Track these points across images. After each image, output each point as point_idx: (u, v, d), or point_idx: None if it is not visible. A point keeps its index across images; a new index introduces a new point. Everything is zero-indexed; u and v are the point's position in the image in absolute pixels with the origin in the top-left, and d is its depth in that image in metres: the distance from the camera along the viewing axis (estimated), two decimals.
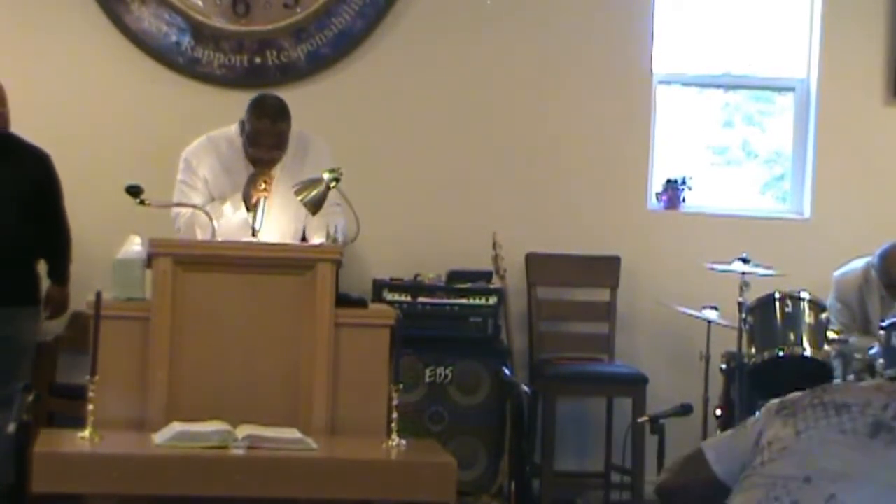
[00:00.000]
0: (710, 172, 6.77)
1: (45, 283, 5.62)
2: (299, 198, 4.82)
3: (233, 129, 5.13)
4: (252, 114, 4.98)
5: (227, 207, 5.02)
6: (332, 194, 4.86)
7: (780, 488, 2.39)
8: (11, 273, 5.40)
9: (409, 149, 6.40)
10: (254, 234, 4.93)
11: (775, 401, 2.61)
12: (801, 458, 2.42)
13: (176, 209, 5.03)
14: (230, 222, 4.96)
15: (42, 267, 5.60)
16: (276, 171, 5.07)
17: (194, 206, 4.90)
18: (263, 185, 4.98)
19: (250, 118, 4.98)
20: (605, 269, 6.36)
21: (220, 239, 4.80)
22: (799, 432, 2.45)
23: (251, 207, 4.99)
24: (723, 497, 2.54)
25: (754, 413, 6.07)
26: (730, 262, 5.82)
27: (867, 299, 5.95)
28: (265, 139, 4.97)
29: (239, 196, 5.02)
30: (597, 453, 6.28)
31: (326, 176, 4.80)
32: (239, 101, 5.20)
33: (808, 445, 2.42)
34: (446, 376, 5.91)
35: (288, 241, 5.09)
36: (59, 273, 5.59)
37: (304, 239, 5.17)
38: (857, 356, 5.52)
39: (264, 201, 4.98)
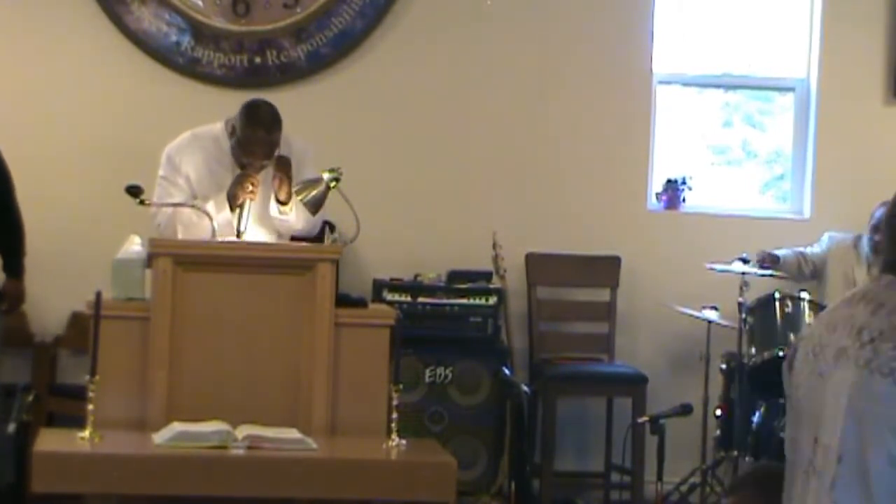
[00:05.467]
0: (710, 172, 6.77)
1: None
2: (299, 198, 4.81)
3: (218, 126, 5.03)
4: (246, 123, 4.87)
5: (210, 207, 4.88)
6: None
7: (806, 462, 2.39)
8: None
9: (409, 149, 6.40)
10: (238, 236, 4.87)
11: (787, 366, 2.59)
12: (807, 420, 2.40)
13: (155, 206, 4.95)
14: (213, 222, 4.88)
15: None
16: (261, 175, 4.98)
17: (193, 206, 4.89)
18: (251, 188, 4.86)
19: (244, 127, 4.87)
20: (605, 269, 6.36)
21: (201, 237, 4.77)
22: (796, 393, 2.46)
23: (235, 208, 4.88)
24: None
25: (754, 413, 6.09)
26: (730, 262, 5.82)
27: (855, 266, 6.03)
28: (259, 148, 4.87)
29: (222, 196, 4.91)
30: (597, 453, 6.28)
31: (326, 176, 4.78)
32: (239, 101, 5.17)
33: (805, 404, 2.42)
34: (446, 376, 5.91)
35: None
36: (15, 266, 5.54)
37: None
38: None
39: (249, 203, 4.88)
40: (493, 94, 6.42)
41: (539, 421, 6.02)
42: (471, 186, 6.41)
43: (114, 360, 4.43)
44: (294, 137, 5.10)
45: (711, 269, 5.89)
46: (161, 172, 5.00)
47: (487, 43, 6.41)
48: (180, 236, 4.89)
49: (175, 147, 5.04)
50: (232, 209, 4.89)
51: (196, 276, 4.58)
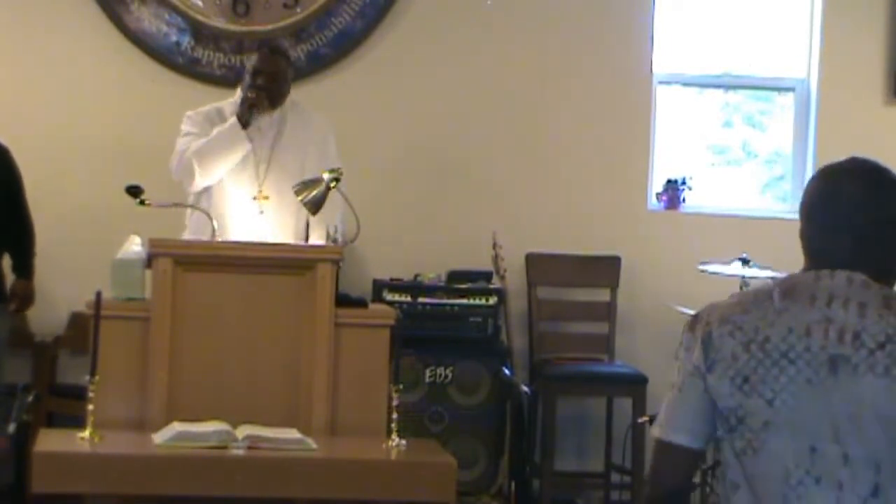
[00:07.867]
0: (710, 172, 6.77)
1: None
2: (299, 198, 4.81)
3: (234, 97, 5.15)
4: (262, 51, 5.12)
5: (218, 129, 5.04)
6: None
7: (793, 470, 2.31)
8: None
9: (409, 148, 6.40)
10: (244, 127, 4.98)
11: (692, 356, 2.42)
12: (791, 430, 2.31)
13: (179, 148, 5.02)
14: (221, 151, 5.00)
15: (5, 261, 5.55)
16: (275, 134, 5.09)
17: (192, 207, 4.89)
18: (253, 96, 4.99)
19: (261, 54, 5.08)
20: (605, 269, 6.36)
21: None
22: (770, 401, 2.32)
23: (246, 121, 4.99)
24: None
25: None
26: (729, 263, 5.82)
27: None
28: (272, 69, 5.03)
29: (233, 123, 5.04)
30: (597, 453, 6.28)
31: (326, 176, 4.80)
32: None
33: (788, 413, 2.31)
34: (446, 376, 5.91)
35: (290, 236, 5.07)
36: (24, 267, 5.55)
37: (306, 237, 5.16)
38: None
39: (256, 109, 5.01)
40: (493, 94, 6.42)
41: (539, 421, 6.02)
42: (471, 186, 6.41)
43: (114, 360, 4.44)
44: (314, 112, 5.22)
45: (703, 270, 5.86)
46: (182, 131, 5.10)
47: (487, 43, 6.41)
48: (196, 167, 4.95)
49: (195, 110, 5.17)
50: (244, 127, 4.99)
51: (196, 276, 4.58)
